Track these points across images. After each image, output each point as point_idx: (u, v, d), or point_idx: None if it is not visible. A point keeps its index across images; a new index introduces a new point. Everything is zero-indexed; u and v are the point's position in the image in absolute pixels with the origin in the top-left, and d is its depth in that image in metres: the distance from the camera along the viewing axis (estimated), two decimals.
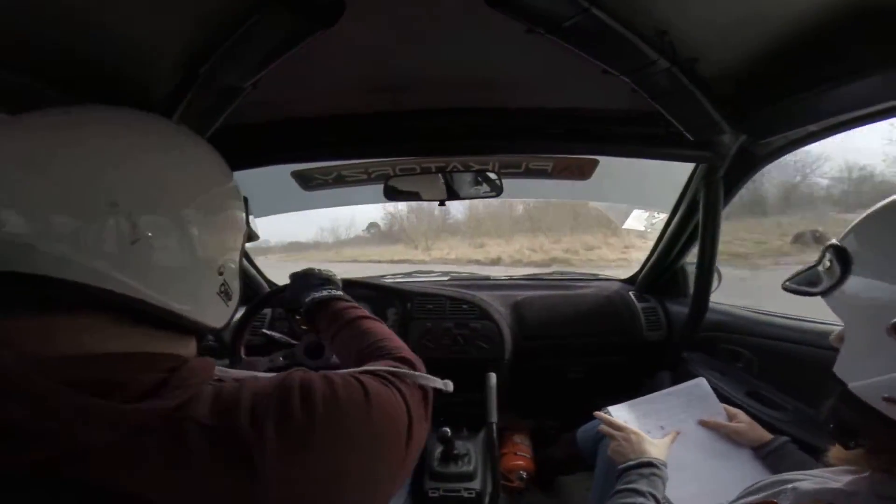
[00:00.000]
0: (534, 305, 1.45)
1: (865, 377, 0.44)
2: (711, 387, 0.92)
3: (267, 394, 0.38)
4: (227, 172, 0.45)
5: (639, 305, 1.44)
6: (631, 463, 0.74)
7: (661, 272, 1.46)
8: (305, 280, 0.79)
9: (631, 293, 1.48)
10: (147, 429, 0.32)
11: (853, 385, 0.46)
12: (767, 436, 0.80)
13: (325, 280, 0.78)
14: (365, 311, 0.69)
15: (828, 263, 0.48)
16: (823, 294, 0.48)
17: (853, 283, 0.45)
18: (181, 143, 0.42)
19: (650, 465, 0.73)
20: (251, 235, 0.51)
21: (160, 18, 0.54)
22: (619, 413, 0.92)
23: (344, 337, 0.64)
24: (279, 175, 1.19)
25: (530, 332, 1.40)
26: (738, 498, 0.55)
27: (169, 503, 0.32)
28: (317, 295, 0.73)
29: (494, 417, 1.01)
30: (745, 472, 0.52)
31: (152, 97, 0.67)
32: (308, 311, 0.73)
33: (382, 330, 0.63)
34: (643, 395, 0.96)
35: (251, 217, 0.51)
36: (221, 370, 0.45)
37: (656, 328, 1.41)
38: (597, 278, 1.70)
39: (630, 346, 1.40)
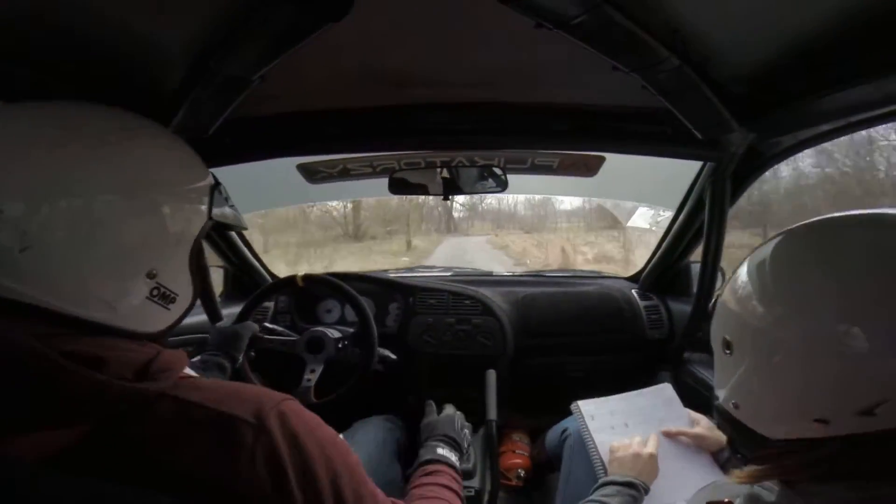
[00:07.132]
0: (537, 302, 1.45)
1: (721, 390, 0.46)
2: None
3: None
4: (157, 163, 0.42)
5: (641, 304, 1.43)
6: (618, 478, 0.75)
7: (665, 270, 1.45)
8: (451, 425, 0.82)
9: (634, 291, 1.48)
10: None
11: (720, 401, 0.47)
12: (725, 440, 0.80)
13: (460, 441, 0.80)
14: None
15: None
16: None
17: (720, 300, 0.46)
18: (86, 137, 0.38)
19: (634, 486, 0.73)
20: (234, 225, 0.51)
21: (169, 11, 0.53)
22: (588, 408, 0.93)
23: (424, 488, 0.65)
24: (284, 168, 1.19)
25: (533, 328, 1.40)
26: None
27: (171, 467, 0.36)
28: (447, 455, 0.74)
29: (493, 415, 1.00)
30: (704, 476, 0.54)
31: (159, 89, 0.67)
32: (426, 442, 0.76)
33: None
34: None
35: (231, 209, 0.50)
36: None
37: (658, 326, 1.40)
38: (600, 276, 1.69)
39: (632, 344, 1.40)
